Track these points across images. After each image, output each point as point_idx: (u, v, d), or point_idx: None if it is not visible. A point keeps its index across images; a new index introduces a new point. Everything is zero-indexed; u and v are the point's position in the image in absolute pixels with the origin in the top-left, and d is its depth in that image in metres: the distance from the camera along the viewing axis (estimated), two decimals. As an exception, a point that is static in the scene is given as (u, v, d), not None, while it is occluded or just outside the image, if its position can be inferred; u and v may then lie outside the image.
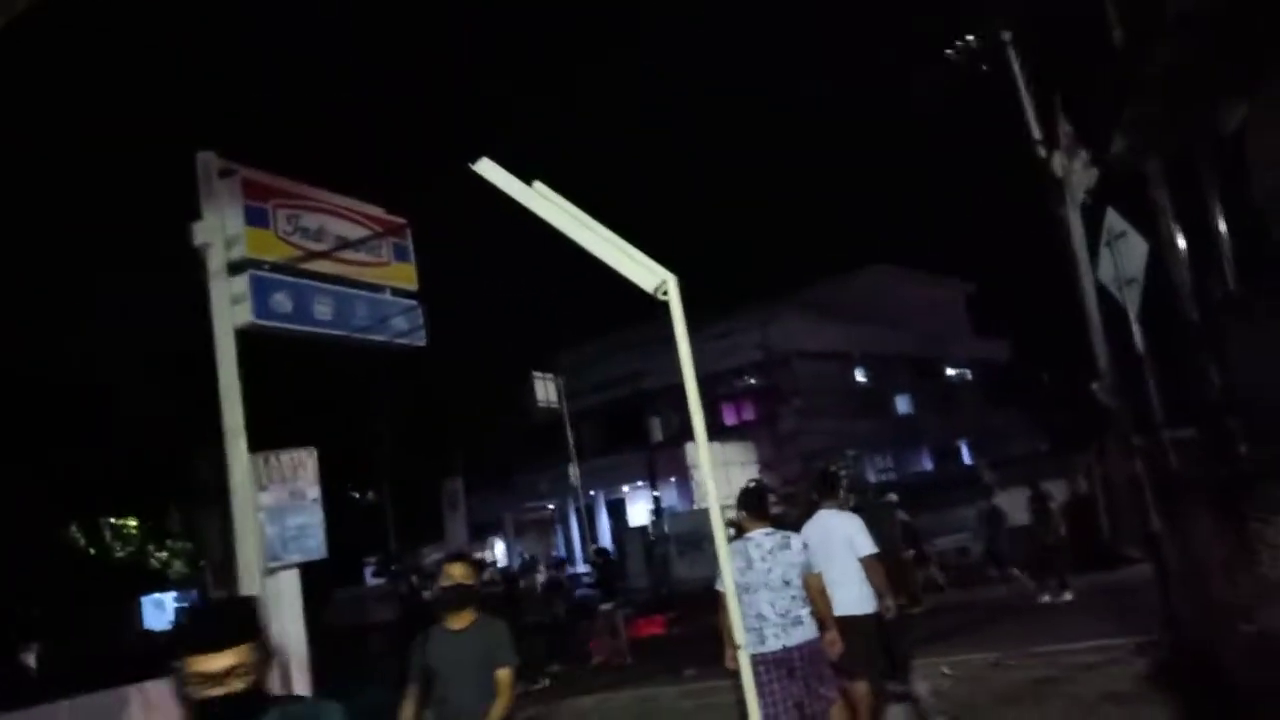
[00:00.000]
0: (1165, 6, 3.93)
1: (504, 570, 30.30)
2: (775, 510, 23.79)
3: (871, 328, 36.80)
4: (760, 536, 5.83)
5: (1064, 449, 23.83)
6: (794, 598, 5.67)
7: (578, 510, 30.25)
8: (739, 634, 5.16)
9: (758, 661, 5.50)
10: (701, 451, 5.62)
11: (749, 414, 35.71)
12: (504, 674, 4.72)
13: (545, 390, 26.68)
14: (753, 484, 6.47)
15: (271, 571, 11.29)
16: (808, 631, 5.67)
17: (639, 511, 34.85)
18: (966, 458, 37.81)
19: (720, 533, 5.41)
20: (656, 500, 30.58)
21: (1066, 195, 8.50)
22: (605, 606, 14.35)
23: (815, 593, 5.77)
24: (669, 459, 31.06)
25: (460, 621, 4.81)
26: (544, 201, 5.74)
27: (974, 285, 43.69)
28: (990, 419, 39.30)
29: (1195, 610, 7.61)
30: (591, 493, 33.44)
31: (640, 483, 34.24)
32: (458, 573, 4.88)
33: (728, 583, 5.26)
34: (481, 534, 36.25)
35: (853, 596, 6.53)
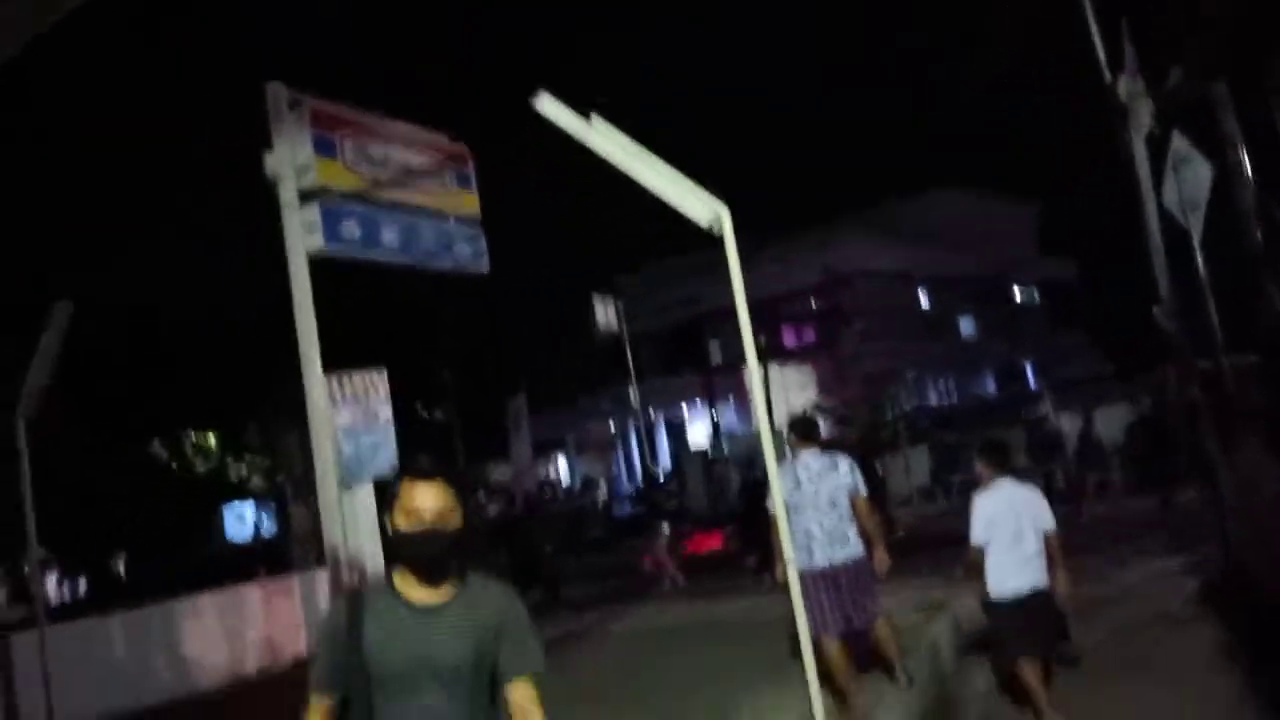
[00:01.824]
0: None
1: (566, 488, 31.17)
2: (834, 432, 24.09)
3: (936, 249, 36.29)
4: (809, 459, 6.08)
5: (1129, 372, 23.58)
6: (840, 517, 5.94)
7: (637, 431, 30.76)
8: (788, 550, 5.46)
9: (805, 576, 5.79)
10: (754, 379, 5.87)
11: (810, 336, 35.69)
12: (523, 686, 2.54)
13: (606, 313, 26.99)
14: (804, 411, 6.68)
15: (348, 488, 11.92)
16: (853, 549, 5.95)
17: (698, 432, 35.30)
18: (1030, 380, 37.44)
19: (771, 456, 5.67)
20: (715, 422, 30.93)
21: (1130, 120, 8.40)
22: (663, 527, 14.80)
23: (863, 513, 6.02)
24: (728, 381, 31.31)
25: (432, 592, 2.54)
26: (601, 136, 5.94)
27: (1042, 206, 42.63)
28: (1055, 341, 38.76)
29: (1246, 534, 7.72)
30: (652, 413, 33.92)
31: (699, 404, 34.62)
32: (431, 503, 2.48)
33: (778, 503, 5.55)
34: (545, 452, 37.11)
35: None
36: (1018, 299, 42.84)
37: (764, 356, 27.84)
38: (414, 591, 2.55)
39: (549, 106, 6.00)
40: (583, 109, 6.03)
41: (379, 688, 2.47)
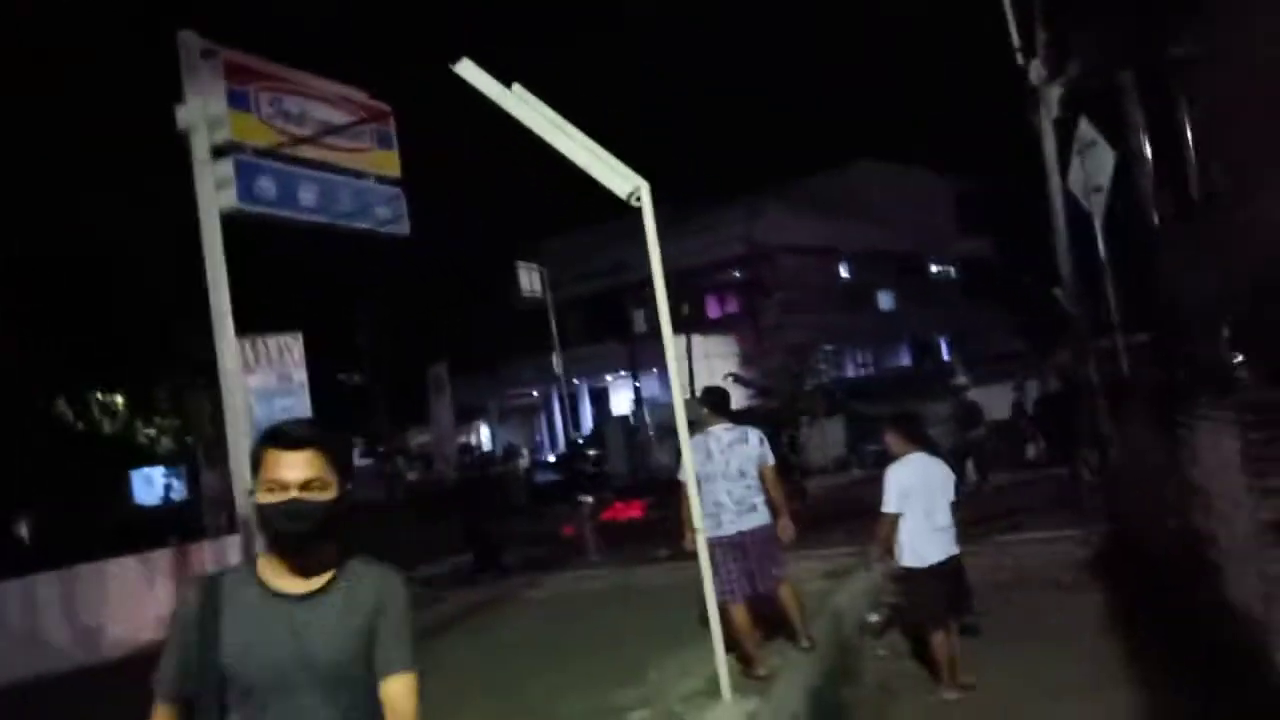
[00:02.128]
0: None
1: (488, 454, 31.08)
2: (754, 401, 24.40)
3: (858, 223, 36.88)
4: (720, 431, 6.21)
5: (1041, 348, 24.35)
6: (749, 487, 6.10)
7: (560, 398, 30.78)
8: (697, 519, 5.61)
9: (714, 544, 5.95)
10: (670, 351, 5.97)
11: (733, 307, 36.05)
12: (399, 685, 2.17)
13: (529, 280, 26.88)
14: (716, 385, 6.81)
15: (260, 451, 11.78)
16: (761, 517, 6.12)
17: (622, 400, 35.47)
18: (946, 354, 38.41)
19: (683, 427, 5.80)
20: (637, 390, 31.10)
21: (1040, 104, 8.65)
22: (584, 498, 14.84)
23: (770, 483, 6.19)
24: (652, 349, 31.47)
25: (302, 579, 2.17)
26: (522, 105, 5.93)
27: (963, 183, 43.55)
28: (972, 316, 39.79)
29: (1134, 506, 8.10)
30: (575, 381, 33.97)
31: (623, 373, 34.76)
32: (295, 473, 2.11)
33: (688, 473, 5.68)
34: (468, 419, 36.95)
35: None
36: (936, 274, 43.84)
37: (687, 327, 28.17)
38: (282, 579, 2.16)
39: (470, 72, 5.96)
40: (507, 76, 6.00)
41: (239, 692, 2.09)
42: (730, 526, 6.07)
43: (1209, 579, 5.26)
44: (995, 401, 21.62)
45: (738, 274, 35.61)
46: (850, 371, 35.67)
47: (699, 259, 34.61)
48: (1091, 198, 9.25)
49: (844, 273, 38.52)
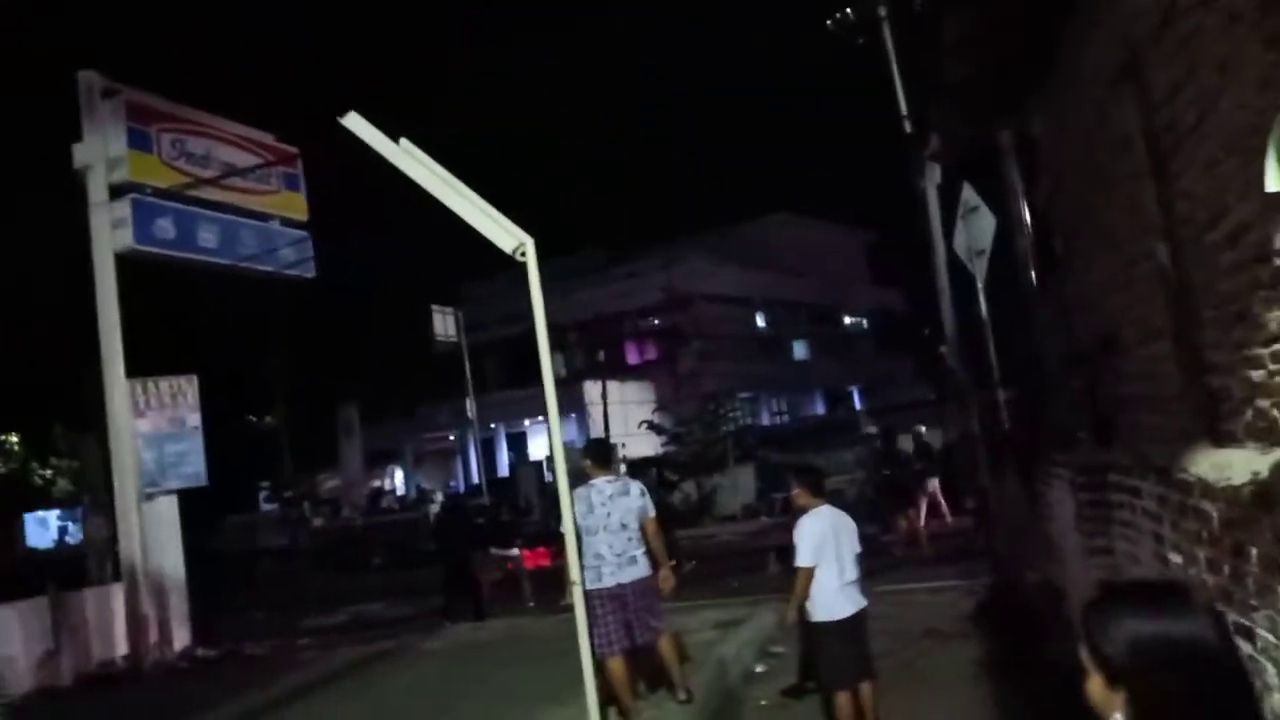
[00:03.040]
0: (943, 30, 4.35)
1: (400, 499, 30.61)
2: (668, 447, 24.37)
3: (773, 273, 37.58)
4: (602, 483, 6.28)
5: (947, 398, 25.04)
6: (630, 539, 6.16)
7: (475, 443, 30.51)
8: (574, 572, 5.65)
9: (594, 596, 6.00)
10: (550, 404, 6.04)
11: (651, 354, 36.30)
12: None
13: (444, 324, 26.72)
14: (598, 438, 6.88)
15: (149, 497, 11.44)
16: (641, 569, 6.18)
17: (540, 445, 35.30)
18: (858, 402, 39.15)
19: (563, 481, 5.86)
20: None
21: (925, 170, 9.03)
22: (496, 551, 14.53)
23: (651, 534, 6.27)
24: (572, 394, 31.49)
25: None
26: (410, 160, 5.99)
27: (872, 236, 44.76)
28: (883, 366, 40.68)
29: (1009, 558, 8.38)
30: (493, 425, 33.75)
31: (540, 418, 34.64)
32: None
33: (567, 526, 5.73)
34: (382, 462, 36.35)
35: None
36: (849, 324, 44.80)
37: (604, 372, 28.32)
38: None
39: (358, 125, 6.01)
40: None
41: None
42: (610, 579, 6.12)
43: (1063, 632, 5.47)
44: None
45: (656, 321, 35.91)
46: (766, 419, 36.12)
47: (618, 305, 34.93)
48: (974, 260, 9.63)
49: (760, 322, 39.13)
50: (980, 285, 9.52)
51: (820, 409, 39.23)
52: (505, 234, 6.00)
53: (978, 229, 9.44)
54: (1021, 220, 9.15)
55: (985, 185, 9.83)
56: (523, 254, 5.99)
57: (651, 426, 27.07)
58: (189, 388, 11.48)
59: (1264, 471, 2.19)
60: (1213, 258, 2.62)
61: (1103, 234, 3.93)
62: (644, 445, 27.21)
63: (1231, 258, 2.47)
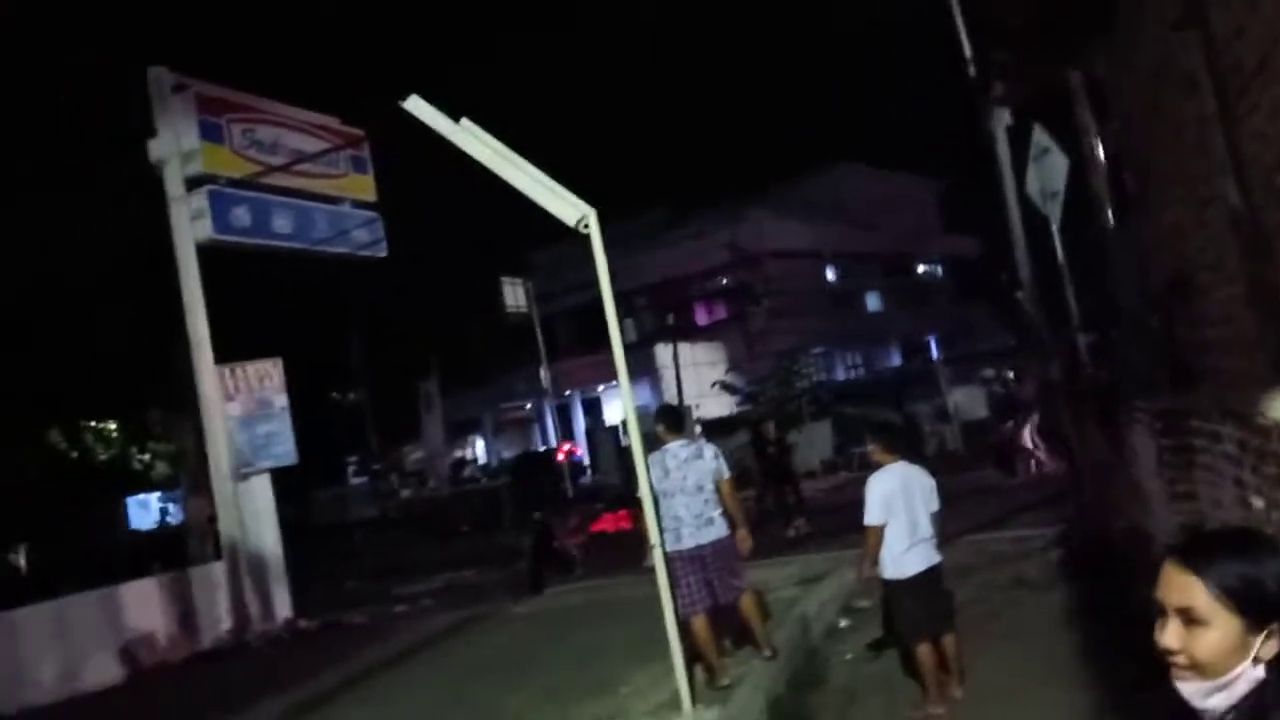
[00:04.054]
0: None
1: (482, 467, 31.21)
2: (743, 407, 24.41)
3: (842, 226, 37.03)
4: (676, 448, 6.36)
5: (1027, 345, 24.52)
6: (706, 501, 6.24)
7: (547, 411, 30.87)
8: (654, 535, 5.77)
9: (674, 557, 6.11)
10: (622, 376, 6.14)
11: (721, 313, 36.18)
12: None
13: (514, 295, 27.01)
14: (669, 404, 6.94)
15: (244, 478, 11.89)
16: (719, 530, 6.26)
17: (616, 410, 35.59)
18: (935, 352, 38.56)
19: (638, 446, 5.96)
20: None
21: (992, 113, 8.83)
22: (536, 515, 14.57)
23: (727, 496, 6.34)
24: (642, 359, 31.62)
25: None
26: (471, 139, 6.09)
27: (945, 183, 43.75)
28: (960, 314, 39.95)
29: (1095, 503, 8.26)
30: (567, 392, 34.07)
31: (614, 383, 34.90)
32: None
33: (644, 491, 5.84)
34: (462, 432, 37.05)
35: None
36: (923, 273, 43.99)
37: (674, 334, 28.31)
38: None
39: (419, 107, 6.12)
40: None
41: None
42: (689, 540, 6.21)
43: (1151, 577, 5.40)
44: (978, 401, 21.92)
45: (724, 280, 35.74)
46: (840, 374, 35.80)
47: (686, 267, 34.82)
48: (1048, 203, 9.41)
49: (830, 276, 38.65)
50: (1055, 228, 9.31)
51: (896, 361, 38.74)
52: (568, 206, 6.07)
53: (1050, 171, 9.20)
54: (1095, 160, 8.91)
55: (1056, 126, 9.57)
56: (586, 226, 6.06)
57: (725, 387, 27.06)
58: (274, 371, 11.87)
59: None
60: (1285, 198, 2.56)
61: (1174, 176, 3.83)
62: (718, 406, 27.24)
63: (1303, 198, 2.41)
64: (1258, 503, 2.98)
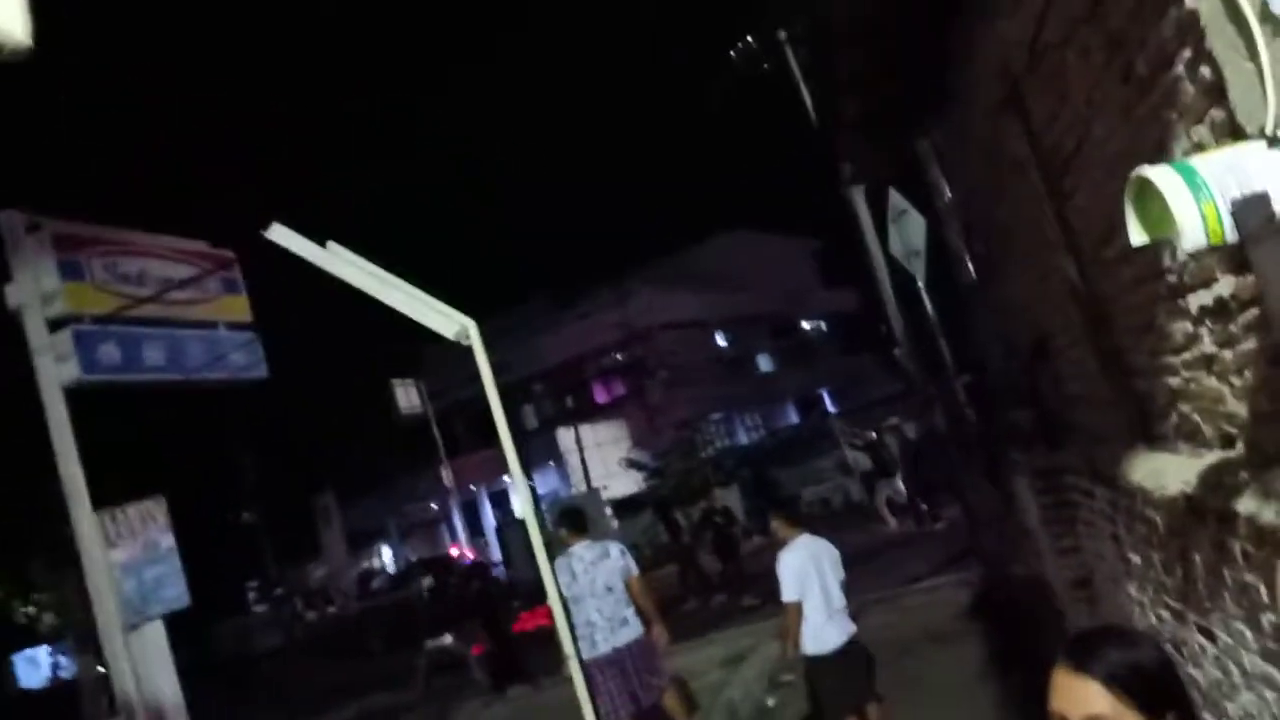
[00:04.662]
0: (837, 69, 4.47)
1: (391, 577, 30.27)
2: (651, 483, 24.27)
3: (727, 292, 37.80)
4: (581, 550, 6.29)
5: (910, 395, 25.21)
6: (618, 601, 6.16)
7: (455, 509, 30.25)
8: (567, 644, 5.64)
9: (592, 664, 5.98)
10: (518, 480, 6.04)
11: (619, 390, 36.31)
12: None
13: (407, 396, 26.58)
14: (569, 505, 6.86)
15: (135, 627, 11.20)
16: (634, 630, 6.18)
17: (526, 498, 35.03)
18: (830, 406, 39.34)
19: (541, 553, 5.86)
20: (533, 489, 30.83)
21: (848, 184, 9.18)
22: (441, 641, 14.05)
23: (638, 594, 6.27)
24: (546, 444, 31.39)
25: None
26: (339, 262, 6.00)
27: (818, 242, 45.17)
28: (849, 366, 40.96)
29: (991, 552, 8.45)
30: (472, 487, 33.52)
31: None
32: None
33: (552, 598, 5.72)
34: (367, 542, 35.97)
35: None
36: (808, 330, 45.11)
37: (575, 417, 28.26)
38: None
39: (282, 235, 6.02)
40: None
41: None
42: (604, 645, 6.11)
43: (1057, 626, 5.52)
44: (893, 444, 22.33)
45: (619, 357, 35.95)
46: (742, 437, 36.18)
47: (579, 348, 34.95)
48: (912, 261, 9.79)
49: (722, 342, 39.29)
50: (921, 284, 9.67)
51: (793, 419, 39.40)
52: (446, 320, 6.02)
53: (910, 231, 9.60)
54: (950, 220, 9.32)
55: (911, 188, 10.02)
56: (467, 338, 6.01)
57: (631, 464, 27.04)
58: (158, 510, 11.28)
59: (1193, 482, 2.25)
60: (1114, 272, 2.71)
61: (1018, 247, 4.03)
62: (628, 484, 27.15)
63: (1130, 272, 2.55)
64: (1135, 559, 3.09)
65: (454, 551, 26.18)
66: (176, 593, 11.44)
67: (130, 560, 11.03)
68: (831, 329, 45.43)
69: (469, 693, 12.52)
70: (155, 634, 11.47)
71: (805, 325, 44.75)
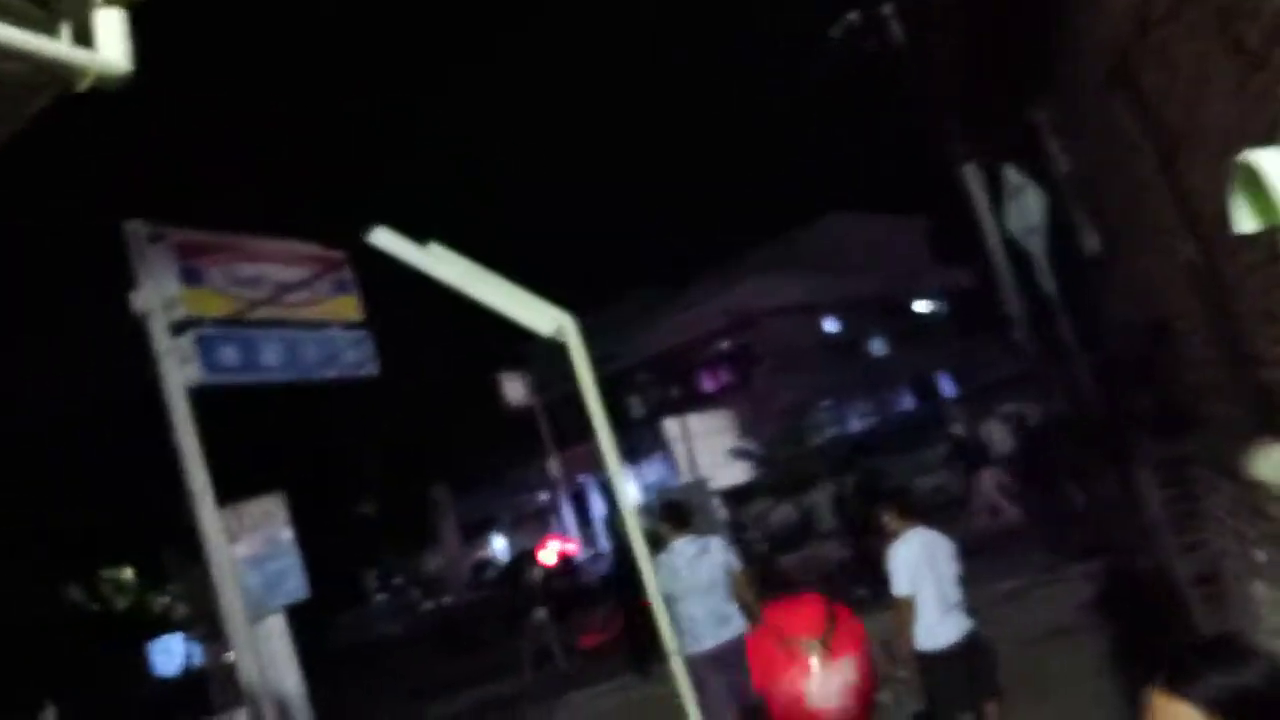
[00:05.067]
0: (939, 46, 4.26)
1: (500, 568, 30.85)
2: (757, 472, 24.17)
3: (836, 276, 37.15)
4: (681, 545, 6.23)
5: (1038, 370, 24.28)
6: (721, 597, 6.08)
7: (563, 499, 30.60)
8: (669, 642, 5.59)
9: (696, 660, 5.93)
10: (616, 477, 6.01)
11: (726, 378, 36.12)
12: None
13: (515, 389, 26.98)
14: (672, 500, 6.83)
15: (257, 619, 11.67)
16: (737, 626, 6.09)
17: (631, 490, 35.31)
18: (949, 389, 38.30)
19: (641, 548, 5.81)
20: (639, 480, 31.01)
21: (959, 164, 8.86)
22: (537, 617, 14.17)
23: (741, 588, 6.17)
24: (652, 434, 31.44)
25: None
26: (440, 262, 6.06)
27: (931, 220, 43.99)
28: (966, 348, 39.79)
29: (1116, 544, 8.07)
30: (580, 478, 33.86)
31: (629, 462, 34.71)
32: None
33: (654, 595, 5.68)
34: (480, 531, 36.74)
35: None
36: (923, 311, 43.95)
37: (681, 407, 28.20)
38: None
39: (385, 240, 6.11)
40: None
41: None
42: (709, 640, 6.04)
43: (1187, 618, 5.23)
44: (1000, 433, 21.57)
45: (725, 345, 35.74)
46: (854, 424, 35.56)
47: (685, 337, 34.87)
48: (1029, 238, 9.40)
49: (831, 327, 38.63)
50: (1040, 262, 9.29)
51: (909, 404, 38.50)
52: (543, 317, 6.02)
53: (1027, 207, 9.22)
54: (1072, 193, 8.91)
55: (1029, 160, 9.60)
56: (563, 335, 5.99)
57: (740, 453, 26.88)
58: (278, 506, 11.72)
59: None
60: (1235, 255, 2.50)
61: (1136, 226, 3.79)
62: (736, 473, 26.98)
63: (1252, 256, 2.35)
64: (1260, 556, 2.87)
65: (551, 545, 26.05)
66: (296, 585, 11.87)
67: (252, 555, 11.48)
68: (947, 310, 44.17)
69: (573, 682, 12.64)
70: (278, 626, 11.93)
71: (919, 307, 43.60)
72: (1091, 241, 8.50)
